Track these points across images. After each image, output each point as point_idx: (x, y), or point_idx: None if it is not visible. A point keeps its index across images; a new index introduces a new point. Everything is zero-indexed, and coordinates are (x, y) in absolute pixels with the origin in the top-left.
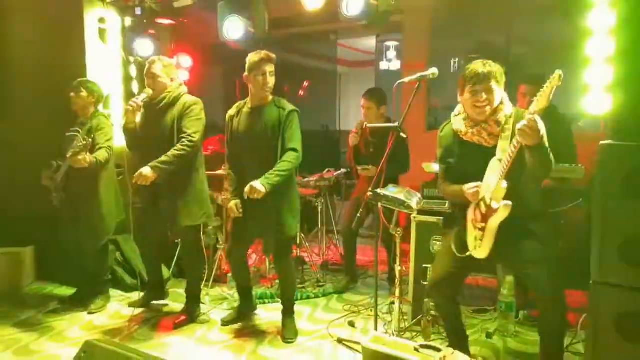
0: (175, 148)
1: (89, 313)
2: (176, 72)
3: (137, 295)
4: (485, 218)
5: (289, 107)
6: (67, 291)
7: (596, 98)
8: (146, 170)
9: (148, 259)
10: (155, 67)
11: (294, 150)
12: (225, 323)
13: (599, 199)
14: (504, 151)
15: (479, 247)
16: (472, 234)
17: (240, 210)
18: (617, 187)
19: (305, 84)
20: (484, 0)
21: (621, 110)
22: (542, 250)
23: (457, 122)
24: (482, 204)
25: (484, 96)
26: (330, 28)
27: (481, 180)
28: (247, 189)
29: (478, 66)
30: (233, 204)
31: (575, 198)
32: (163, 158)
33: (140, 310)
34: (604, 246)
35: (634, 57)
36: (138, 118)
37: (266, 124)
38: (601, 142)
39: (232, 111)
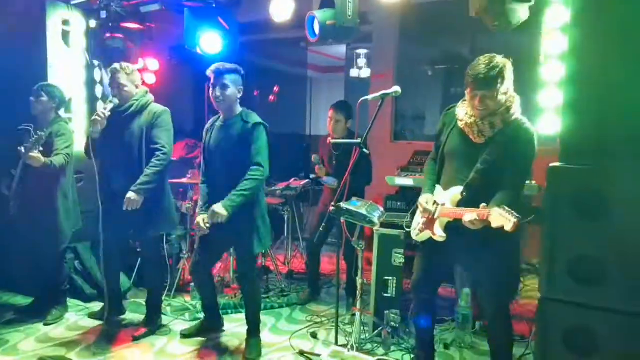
0: (151, 164)
1: (46, 324)
2: (139, 77)
3: (96, 306)
4: (427, 223)
5: (254, 120)
6: (23, 300)
7: (549, 119)
8: (133, 196)
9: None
10: (120, 77)
11: (259, 164)
12: (185, 336)
13: (549, 219)
14: (483, 160)
15: (415, 235)
16: (417, 217)
17: (207, 226)
18: (565, 208)
19: (276, 88)
20: (450, 12)
21: (570, 133)
22: (496, 264)
23: (461, 107)
24: (432, 205)
25: (481, 102)
26: (300, 35)
27: (456, 167)
28: (209, 213)
29: (480, 68)
30: (200, 219)
31: (528, 214)
32: (143, 179)
33: (99, 322)
34: (552, 264)
35: (582, 83)
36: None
37: (232, 138)
38: (550, 165)
39: (207, 124)
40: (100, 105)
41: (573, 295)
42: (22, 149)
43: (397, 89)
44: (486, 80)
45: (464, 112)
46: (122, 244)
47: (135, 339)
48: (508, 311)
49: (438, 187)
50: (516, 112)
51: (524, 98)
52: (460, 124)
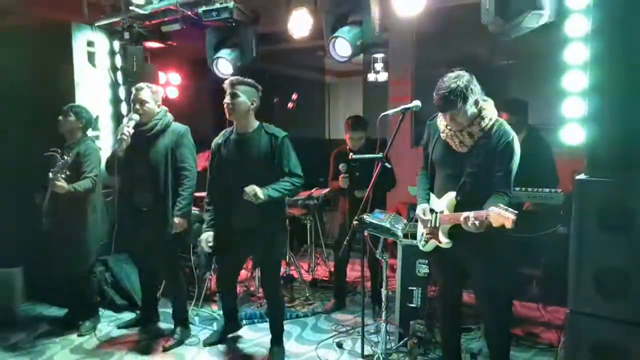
0: (184, 186)
1: (79, 335)
2: (161, 97)
3: (127, 316)
4: (430, 232)
5: (280, 133)
6: (57, 312)
7: (572, 129)
8: (179, 220)
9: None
10: (144, 94)
11: (298, 176)
12: (209, 344)
13: (575, 232)
14: (471, 164)
15: (422, 246)
16: (421, 229)
17: (210, 245)
18: (592, 221)
19: (294, 96)
20: (466, 16)
21: (595, 145)
22: (490, 265)
23: (441, 118)
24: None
25: (451, 120)
26: (317, 44)
27: (446, 175)
28: (248, 189)
29: (442, 92)
30: (204, 237)
31: (553, 223)
32: (183, 202)
33: (132, 331)
34: (579, 277)
35: (606, 93)
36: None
37: (259, 152)
38: (577, 177)
39: (218, 139)
40: (124, 121)
41: (600, 308)
42: (50, 174)
43: (417, 103)
44: (449, 103)
45: (443, 124)
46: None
47: (165, 349)
48: (505, 313)
49: (432, 196)
50: (492, 116)
51: (544, 107)
52: (443, 135)
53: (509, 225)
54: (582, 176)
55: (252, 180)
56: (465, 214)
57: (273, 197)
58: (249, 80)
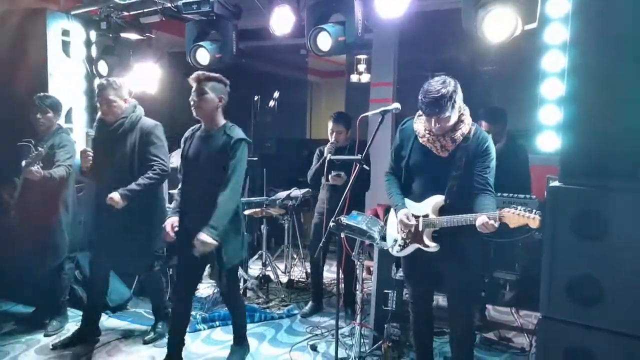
0: (146, 175)
1: (46, 335)
2: (127, 91)
3: None
4: (411, 236)
5: (237, 135)
6: (24, 310)
7: (549, 137)
8: (115, 196)
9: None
10: (109, 93)
11: (231, 183)
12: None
13: (548, 239)
14: (455, 167)
15: (397, 251)
16: (392, 234)
17: (176, 229)
18: (565, 228)
19: (276, 94)
20: (448, 20)
21: (569, 152)
22: (463, 268)
23: (418, 123)
24: (413, 219)
25: (437, 123)
26: (300, 43)
27: (427, 179)
28: (197, 244)
29: (431, 95)
30: (169, 221)
31: (529, 228)
32: (133, 186)
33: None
34: (552, 283)
35: (583, 101)
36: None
37: (213, 151)
38: (550, 184)
39: (187, 133)
40: (84, 141)
41: (572, 315)
42: (23, 164)
43: (397, 105)
44: (438, 107)
45: (423, 127)
46: (113, 263)
47: (146, 342)
48: (473, 316)
49: (409, 201)
50: (469, 122)
51: (523, 113)
52: (422, 140)
53: (535, 225)
54: (556, 183)
55: (207, 178)
56: (481, 218)
57: (224, 227)
58: (217, 75)
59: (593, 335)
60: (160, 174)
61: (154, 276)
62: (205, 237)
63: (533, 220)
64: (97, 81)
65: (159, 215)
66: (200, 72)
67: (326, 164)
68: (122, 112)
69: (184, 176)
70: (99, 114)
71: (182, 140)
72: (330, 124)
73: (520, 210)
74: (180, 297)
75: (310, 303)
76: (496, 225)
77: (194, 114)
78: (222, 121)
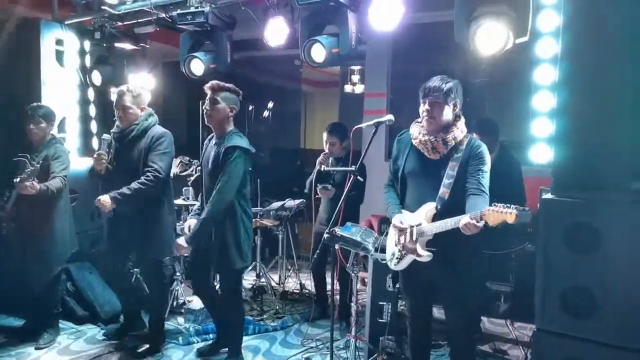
0: (139, 180)
1: (37, 348)
2: (145, 100)
3: (89, 328)
4: (406, 247)
5: (233, 142)
6: (15, 322)
7: (541, 148)
8: (105, 198)
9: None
10: (126, 99)
11: (219, 190)
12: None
13: (542, 251)
14: (447, 175)
15: (395, 264)
16: (391, 247)
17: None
18: (558, 241)
19: (270, 104)
20: (441, 32)
21: (562, 165)
22: (465, 279)
23: (414, 127)
24: (408, 230)
25: (428, 108)
26: (293, 54)
27: (420, 186)
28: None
29: (434, 80)
30: (187, 223)
31: (522, 240)
32: (124, 190)
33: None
34: (546, 296)
35: (574, 114)
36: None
37: (213, 158)
38: (543, 196)
39: (206, 141)
40: (98, 146)
41: (566, 327)
42: (17, 180)
43: (390, 117)
44: (437, 89)
45: (417, 130)
46: (124, 265)
47: (138, 356)
48: (473, 329)
49: (404, 212)
50: (464, 130)
51: (515, 124)
52: (415, 142)
53: (511, 220)
54: (548, 195)
55: (207, 185)
56: (464, 219)
57: (203, 232)
58: (230, 85)
59: (588, 347)
60: (152, 180)
61: (156, 288)
62: (181, 241)
63: (510, 215)
64: (114, 89)
65: (167, 219)
66: (214, 82)
67: (314, 175)
68: (135, 119)
69: (202, 181)
70: (117, 121)
71: (203, 147)
72: (324, 135)
73: (499, 207)
74: (197, 290)
75: (316, 308)
76: (479, 225)
77: (206, 121)
78: (229, 129)
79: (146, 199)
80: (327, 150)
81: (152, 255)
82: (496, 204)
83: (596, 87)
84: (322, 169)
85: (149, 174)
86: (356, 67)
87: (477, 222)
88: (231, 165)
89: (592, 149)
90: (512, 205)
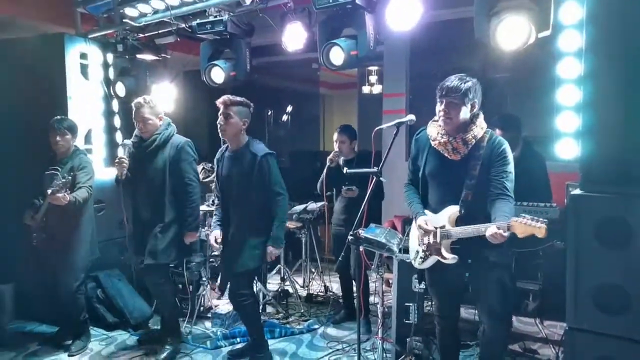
0: (188, 201)
1: (70, 355)
2: (162, 109)
3: (119, 334)
4: (430, 248)
5: (262, 151)
6: (48, 330)
7: (567, 143)
8: (190, 234)
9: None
10: (144, 111)
11: (279, 194)
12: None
13: (572, 248)
14: (469, 176)
15: (419, 264)
16: (414, 246)
17: (219, 241)
18: (589, 237)
19: (289, 108)
20: (459, 29)
21: (590, 160)
22: (496, 276)
23: (432, 127)
24: (431, 233)
25: (444, 109)
26: (311, 56)
27: (442, 188)
28: (268, 254)
29: (451, 80)
30: (213, 234)
31: (551, 237)
32: (190, 219)
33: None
34: (577, 293)
35: (601, 107)
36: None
37: (243, 169)
38: (572, 192)
39: (217, 155)
40: (120, 152)
41: (598, 325)
42: (49, 191)
43: (412, 117)
44: (455, 90)
45: (435, 131)
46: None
47: None
48: (509, 324)
49: (427, 212)
50: (484, 126)
51: (538, 120)
52: (434, 144)
53: (541, 235)
54: (577, 191)
55: (242, 194)
56: (491, 228)
57: (283, 235)
58: (242, 99)
59: (621, 345)
60: (194, 192)
61: (161, 291)
62: (271, 249)
63: (539, 229)
64: (134, 100)
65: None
66: (227, 97)
67: (324, 175)
68: (156, 129)
69: (221, 193)
70: (136, 130)
71: (215, 161)
72: (335, 135)
73: (527, 219)
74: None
75: (342, 311)
76: (505, 235)
77: (220, 135)
78: (245, 139)
79: (163, 204)
80: (336, 149)
81: (165, 259)
82: (524, 215)
83: (622, 79)
84: (332, 165)
85: (190, 189)
86: (373, 68)
87: (504, 232)
88: (273, 172)
89: (621, 143)
90: (540, 220)
